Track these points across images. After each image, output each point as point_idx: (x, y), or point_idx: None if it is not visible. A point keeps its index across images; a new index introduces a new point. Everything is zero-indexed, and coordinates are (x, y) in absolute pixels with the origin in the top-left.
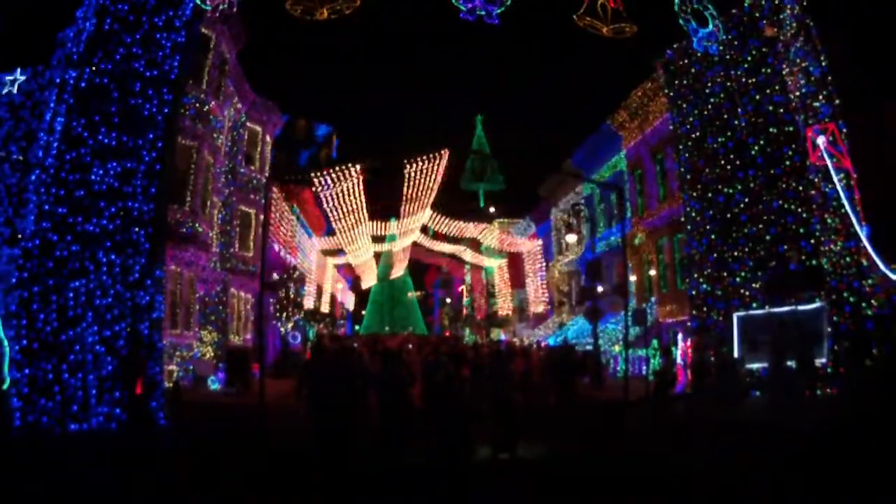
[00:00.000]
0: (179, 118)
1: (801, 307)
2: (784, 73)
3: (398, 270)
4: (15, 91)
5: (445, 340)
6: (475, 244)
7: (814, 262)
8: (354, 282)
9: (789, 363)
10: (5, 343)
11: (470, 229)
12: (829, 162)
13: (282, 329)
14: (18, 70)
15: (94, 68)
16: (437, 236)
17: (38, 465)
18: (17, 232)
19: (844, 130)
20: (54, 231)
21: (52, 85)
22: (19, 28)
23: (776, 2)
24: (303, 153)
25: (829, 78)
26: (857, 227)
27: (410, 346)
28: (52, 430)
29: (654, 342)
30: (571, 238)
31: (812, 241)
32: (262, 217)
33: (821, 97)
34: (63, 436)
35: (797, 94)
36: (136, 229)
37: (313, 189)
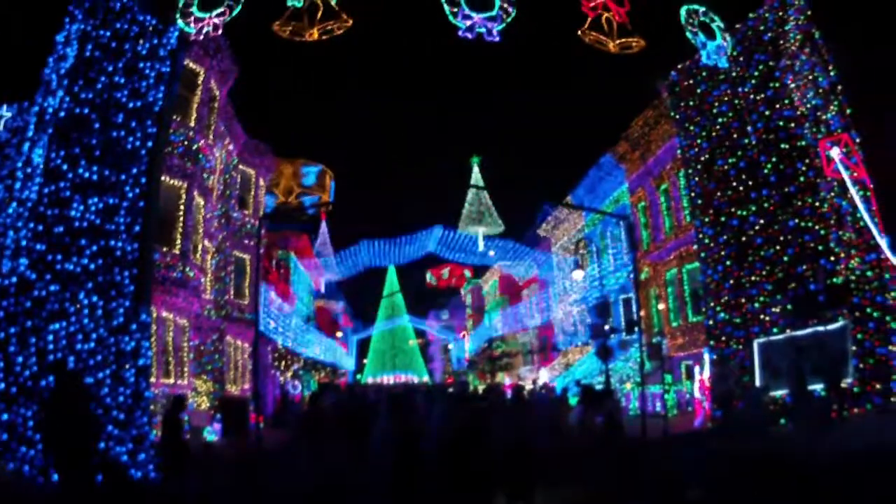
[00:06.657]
0: (167, 156)
1: (822, 328)
2: (791, 86)
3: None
4: (1, 128)
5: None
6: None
7: (836, 279)
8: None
9: (814, 387)
10: None
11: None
12: (844, 174)
13: (281, 378)
14: (4, 106)
15: (74, 97)
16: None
17: None
18: None
19: (858, 140)
20: (32, 269)
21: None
22: (6, 63)
23: (780, 14)
24: (304, 198)
25: (839, 87)
26: (878, 239)
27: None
28: (35, 480)
29: (668, 377)
30: (579, 275)
31: (832, 258)
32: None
33: (831, 108)
34: (46, 487)
35: (807, 106)
36: (120, 270)
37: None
